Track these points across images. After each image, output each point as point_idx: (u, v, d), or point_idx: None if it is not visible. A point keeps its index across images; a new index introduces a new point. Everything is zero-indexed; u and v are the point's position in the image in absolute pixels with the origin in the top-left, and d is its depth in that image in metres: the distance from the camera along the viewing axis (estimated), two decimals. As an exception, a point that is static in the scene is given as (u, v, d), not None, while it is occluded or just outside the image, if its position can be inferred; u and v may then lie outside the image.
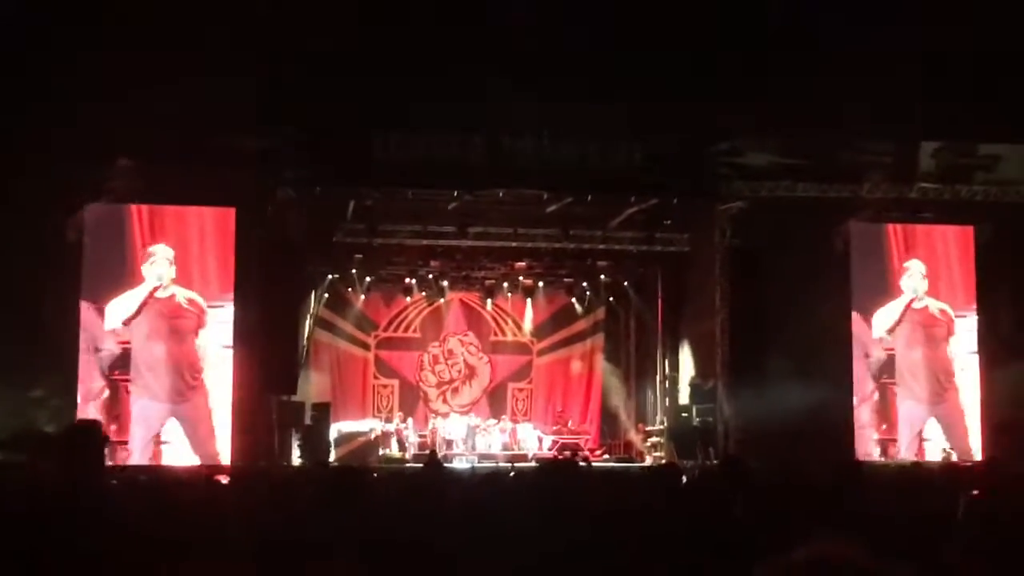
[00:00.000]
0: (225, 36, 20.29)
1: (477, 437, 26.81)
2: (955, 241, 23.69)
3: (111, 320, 21.11)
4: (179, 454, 20.86)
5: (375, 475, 14.68)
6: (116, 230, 21.37)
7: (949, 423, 23.04)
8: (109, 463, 19.69)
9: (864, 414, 22.95)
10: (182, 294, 21.41)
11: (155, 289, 21.23)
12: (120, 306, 21.17)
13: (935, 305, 23.37)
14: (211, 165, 20.98)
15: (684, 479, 8.10)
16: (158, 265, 21.27)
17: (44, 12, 19.31)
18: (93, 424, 5.90)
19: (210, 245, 21.62)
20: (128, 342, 21.19)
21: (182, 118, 20.57)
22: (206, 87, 20.20)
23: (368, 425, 26.72)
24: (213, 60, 20.17)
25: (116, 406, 20.93)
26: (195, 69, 19.87)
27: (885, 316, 23.19)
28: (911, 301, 23.27)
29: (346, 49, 21.48)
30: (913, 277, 23.31)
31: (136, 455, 20.63)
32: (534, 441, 27.21)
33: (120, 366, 21.12)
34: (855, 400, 22.89)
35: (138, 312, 21.19)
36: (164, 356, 21.23)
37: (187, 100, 20.21)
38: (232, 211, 21.65)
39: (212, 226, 21.73)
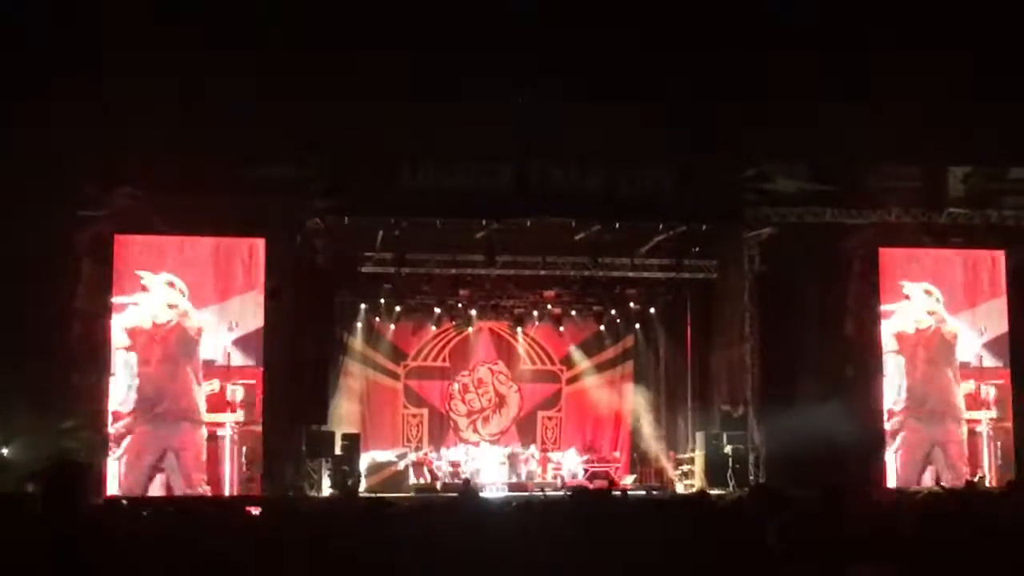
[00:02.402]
0: (253, 67, 20.47)
1: (507, 466, 26.75)
2: (986, 266, 23.54)
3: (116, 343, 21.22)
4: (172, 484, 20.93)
5: (406, 505, 14.65)
6: (146, 261, 21.44)
7: (948, 448, 22.85)
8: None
9: (895, 439, 22.79)
10: (187, 322, 21.45)
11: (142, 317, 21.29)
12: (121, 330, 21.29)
13: (945, 328, 23.23)
14: (240, 195, 21.09)
15: (715, 509, 8.06)
16: (155, 293, 21.33)
17: (71, 37, 19.46)
18: (73, 462, 5.95)
19: (239, 275, 21.66)
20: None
21: (210, 148, 20.74)
22: (234, 117, 20.38)
23: (398, 454, 26.68)
24: (241, 90, 20.36)
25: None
26: (224, 100, 20.06)
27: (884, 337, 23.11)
28: (905, 323, 23.11)
29: (373, 76, 21.62)
30: (922, 299, 23.14)
31: (134, 484, 20.67)
32: (565, 470, 27.11)
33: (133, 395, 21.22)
34: (886, 425, 22.76)
35: (135, 338, 21.24)
36: (157, 383, 21.27)
37: (215, 130, 20.37)
38: (261, 241, 21.72)
39: (242, 256, 21.75)
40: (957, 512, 8.02)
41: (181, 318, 21.39)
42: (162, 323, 21.33)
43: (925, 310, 23.14)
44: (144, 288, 21.26)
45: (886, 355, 22.97)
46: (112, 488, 20.42)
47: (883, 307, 23.01)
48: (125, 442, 20.98)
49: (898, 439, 22.81)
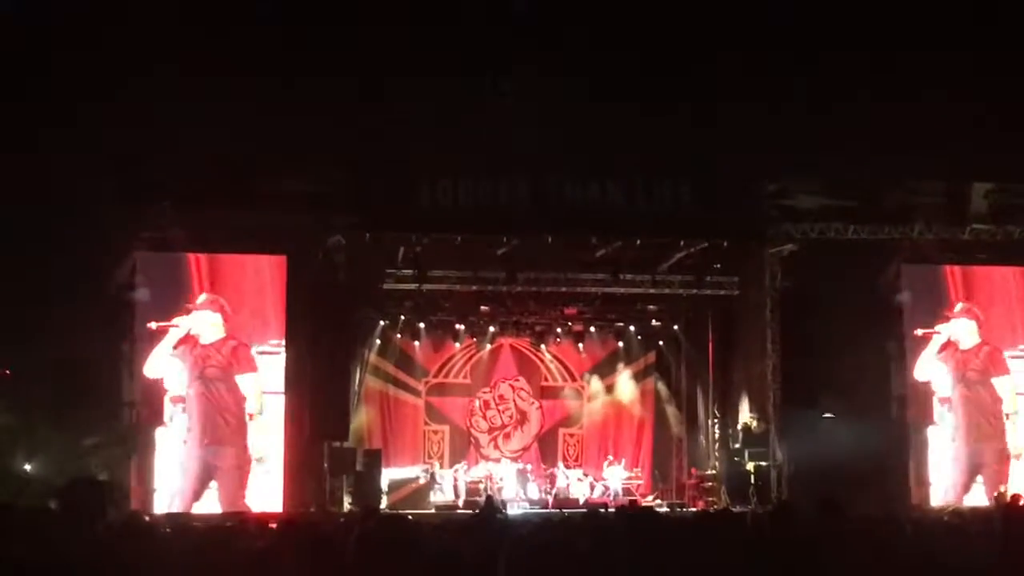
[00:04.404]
0: (274, 88, 20.56)
1: (528, 483, 26.73)
2: (1010, 283, 23.44)
3: (149, 370, 21.22)
4: (211, 503, 20.96)
5: (428, 522, 14.62)
6: (169, 278, 21.50)
7: (992, 466, 22.72)
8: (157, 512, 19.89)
9: (918, 457, 22.69)
10: (226, 341, 21.49)
11: (183, 338, 21.29)
12: (154, 358, 21.27)
13: (984, 346, 23.14)
14: (262, 213, 21.15)
15: (737, 526, 8.02)
16: (194, 316, 21.38)
17: (94, 60, 19.57)
18: (94, 480, 6.02)
19: (262, 293, 21.69)
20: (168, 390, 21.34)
21: (233, 166, 20.82)
22: (257, 136, 20.47)
23: (419, 471, 26.65)
24: (264, 108, 20.44)
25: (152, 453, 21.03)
26: (245, 119, 20.14)
27: (924, 360, 22.97)
28: (945, 344, 23.03)
29: (393, 96, 21.69)
30: (957, 321, 23.07)
31: (176, 502, 20.71)
32: (586, 487, 27.05)
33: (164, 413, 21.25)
34: (910, 443, 22.66)
35: (173, 359, 21.28)
36: (205, 404, 21.31)
37: (238, 148, 20.46)
38: (283, 258, 21.76)
39: (264, 274, 21.79)
40: (975, 531, 7.98)
41: (225, 335, 21.49)
42: (207, 344, 21.43)
43: (967, 331, 23.08)
44: (187, 310, 21.35)
45: (933, 372, 22.95)
46: (160, 506, 20.56)
47: (921, 331, 22.99)
48: (177, 459, 21.10)
49: (945, 457, 22.75)
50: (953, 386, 23.03)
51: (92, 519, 6.05)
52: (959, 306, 23.15)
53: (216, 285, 21.56)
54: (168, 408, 21.19)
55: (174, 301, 21.38)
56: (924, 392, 22.94)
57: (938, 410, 22.92)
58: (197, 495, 20.94)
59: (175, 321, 21.24)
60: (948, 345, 23.06)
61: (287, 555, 7.22)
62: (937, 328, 23.02)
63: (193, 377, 21.31)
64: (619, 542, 6.51)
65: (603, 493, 26.62)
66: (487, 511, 13.63)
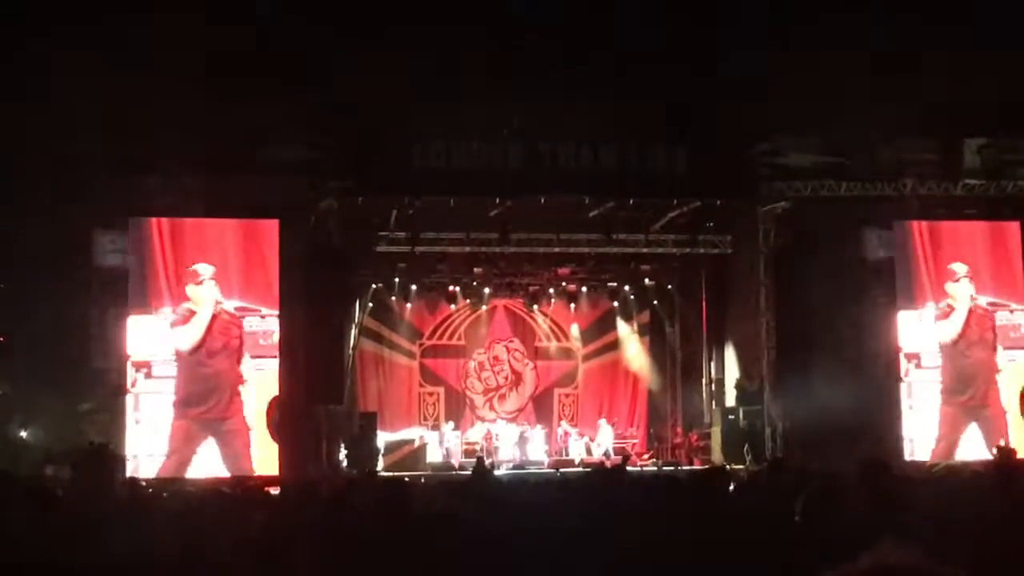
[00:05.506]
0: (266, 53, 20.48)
1: (524, 443, 26.82)
2: (1002, 237, 23.41)
3: (180, 344, 21.16)
4: (209, 467, 20.90)
5: (423, 482, 14.68)
6: (160, 244, 21.42)
7: (991, 424, 22.76)
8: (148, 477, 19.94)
9: (910, 415, 22.73)
10: (226, 310, 21.45)
11: (217, 314, 21.25)
12: (187, 333, 21.18)
13: (982, 304, 23.16)
14: (254, 177, 21.09)
15: (733, 484, 8.05)
16: (207, 286, 21.26)
17: (86, 31, 19.47)
18: (104, 446, 6.03)
19: (254, 257, 21.62)
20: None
21: (225, 131, 20.75)
22: (249, 99, 20.39)
23: (415, 433, 26.71)
24: (255, 71, 20.36)
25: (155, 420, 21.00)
26: (237, 85, 20.07)
27: (949, 326, 22.90)
28: (972, 308, 22.98)
29: (386, 59, 21.60)
30: (962, 282, 23.00)
31: (170, 468, 20.69)
32: (581, 446, 27.16)
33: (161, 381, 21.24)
34: (902, 401, 22.69)
35: (204, 338, 21.22)
36: (211, 374, 21.28)
37: (230, 114, 20.39)
38: (275, 223, 21.69)
39: (256, 238, 21.72)
40: (971, 486, 8.00)
41: (219, 306, 21.41)
42: (209, 314, 21.38)
43: (966, 293, 23.06)
44: (195, 279, 21.25)
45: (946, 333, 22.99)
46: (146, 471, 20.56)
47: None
48: (167, 426, 21.04)
49: (937, 415, 22.77)
50: (948, 344, 23.03)
51: (103, 486, 6.07)
52: (958, 266, 23.09)
53: (209, 251, 21.49)
54: (154, 374, 21.16)
55: (167, 266, 21.32)
56: (922, 350, 22.95)
57: (930, 369, 22.93)
58: (188, 461, 20.93)
59: (187, 300, 21.19)
60: (971, 311, 23.07)
61: (290, 521, 7.25)
62: (952, 292, 22.97)
63: (187, 346, 21.26)
64: (609, 503, 6.54)
65: (600, 452, 26.72)
66: (478, 473, 13.67)
